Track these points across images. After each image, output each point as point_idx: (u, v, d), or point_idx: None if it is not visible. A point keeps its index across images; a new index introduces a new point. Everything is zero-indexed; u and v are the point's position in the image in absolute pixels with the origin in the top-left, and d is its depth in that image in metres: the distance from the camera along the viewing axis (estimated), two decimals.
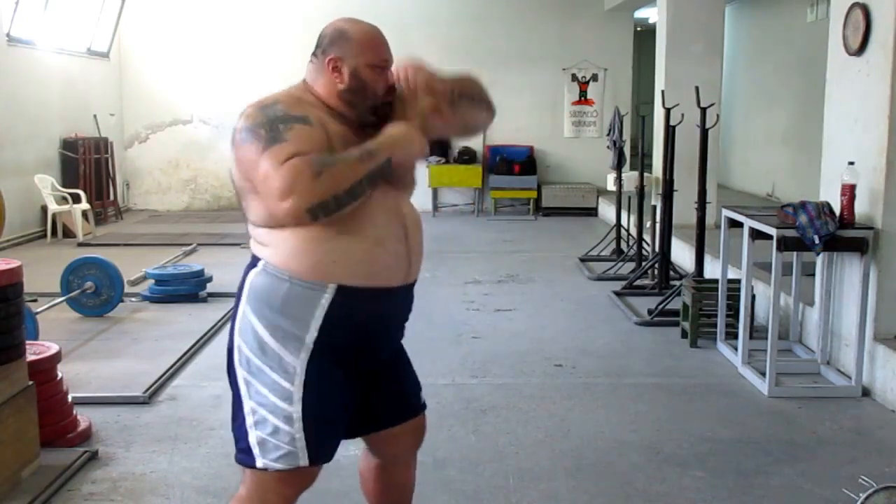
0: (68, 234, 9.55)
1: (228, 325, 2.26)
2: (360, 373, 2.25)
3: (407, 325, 2.39)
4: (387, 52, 2.21)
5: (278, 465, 2.13)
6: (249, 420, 2.14)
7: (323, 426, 2.16)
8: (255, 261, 2.17)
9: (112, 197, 11.17)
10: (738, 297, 4.90)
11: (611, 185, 8.10)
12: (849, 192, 4.28)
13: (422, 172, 11.74)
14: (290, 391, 2.11)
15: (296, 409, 2.11)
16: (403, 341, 2.44)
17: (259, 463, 2.14)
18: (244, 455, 2.17)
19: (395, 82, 2.21)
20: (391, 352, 2.36)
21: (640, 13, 12.61)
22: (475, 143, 12.01)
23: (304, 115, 2.07)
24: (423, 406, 2.47)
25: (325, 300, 2.09)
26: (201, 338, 5.31)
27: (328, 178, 1.95)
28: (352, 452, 3.06)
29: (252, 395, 2.14)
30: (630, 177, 7.77)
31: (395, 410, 2.38)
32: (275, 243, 2.11)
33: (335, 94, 2.17)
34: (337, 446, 2.24)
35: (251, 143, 2.02)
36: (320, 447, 2.16)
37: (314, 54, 2.21)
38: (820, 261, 4.69)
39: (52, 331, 5.17)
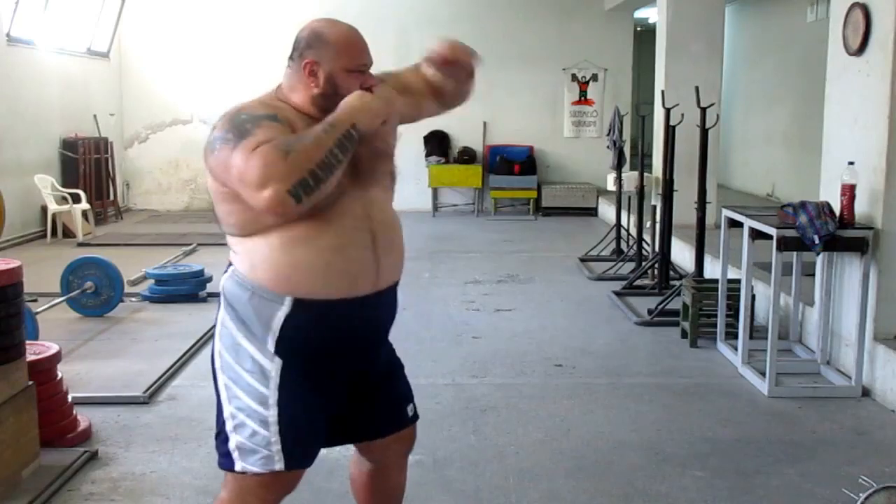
0: (68, 234, 9.55)
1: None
2: (344, 380, 2.23)
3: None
4: (365, 56, 2.15)
5: (255, 469, 2.12)
6: (229, 424, 2.14)
7: (299, 431, 2.14)
8: (228, 266, 2.18)
9: (112, 197, 11.17)
10: (738, 297, 4.90)
11: (611, 185, 8.10)
12: (849, 192, 4.28)
13: (421, 173, 11.77)
14: (266, 395, 2.10)
15: (271, 413, 2.10)
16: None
17: (238, 466, 2.13)
18: (224, 459, 2.16)
19: (375, 85, 2.14)
20: (379, 361, 2.32)
21: (640, 13, 12.61)
22: (475, 143, 12.01)
23: (272, 113, 2.05)
24: (415, 418, 2.43)
25: (283, 312, 2.08)
26: (201, 338, 5.31)
27: (299, 154, 1.90)
28: (351, 453, 3.05)
29: (231, 399, 2.14)
30: (630, 177, 7.77)
31: (386, 422, 2.36)
32: (241, 252, 2.11)
33: (307, 100, 2.12)
34: (315, 452, 2.23)
35: (221, 148, 2.00)
36: (296, 452, 2.14)
37: (290, 58, 2.15)
38: (820, 261, 4.69)
39: (52, 331, 5.17)
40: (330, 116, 2.02)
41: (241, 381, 2.13)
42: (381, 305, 2.23)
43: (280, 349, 2.10)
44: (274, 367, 2.10)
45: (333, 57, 2.10)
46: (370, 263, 2.13)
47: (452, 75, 2.38)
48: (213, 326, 2.24)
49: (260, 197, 1.90)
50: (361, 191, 2.12)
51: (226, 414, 2.15)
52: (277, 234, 2.04)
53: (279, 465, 2.12)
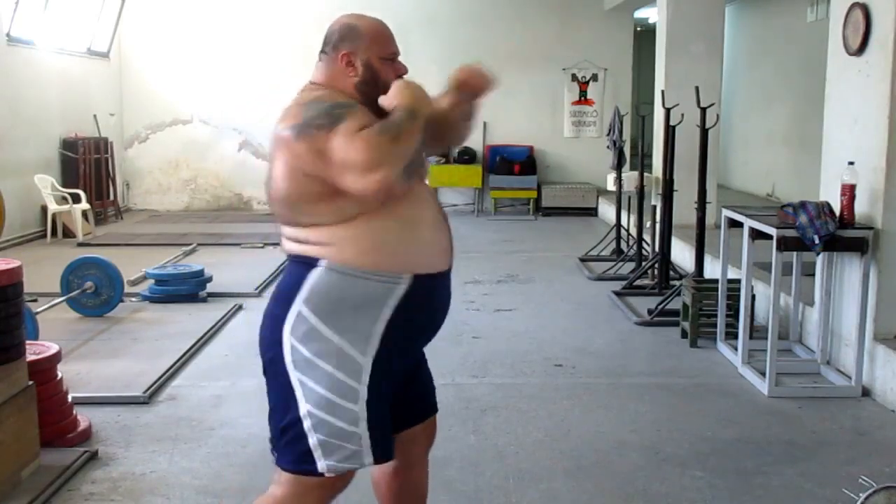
0: (68, 234, 9.55)
1: (261, 332, 2.20)
2: (412, 364, 2.30)
3: None
4: (394, 44, 2.24)
5: (344, 466, 2.12)
6: (306, 423, 2.11)
7: (385, 423, 2.17)
8: (308, 260, 2.12)
9: (112, 197, 11.17)
10: (738, 297, 4.90)
11: (611, 185, 8.10)
12: (849, 192, 4.28)
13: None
14: (357, 389, 2.10)
15: (361, 408, 2.10)
16: None
17: (320, 465, 2.11)
18: (295, 458, 2.13)
19: (406, 71, 2.24)
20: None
21: (640, 13, 12.61)
22: (475, 142, 12.01)
23: (347, 102, 2.11)
24: (436, 408, 2.47)
25: (401, 290, 2.11)
26: (201, 338, 5.31)
27: (404, 140, 1.98)
28: None
29: (309, 396, 2.11)
30: (630, 177, 7.77)
31: (418, 409, 2.40)
32: (340, 241, 2.08)
33: (351, 88, 2.19)
34: (394, 442, 2.25)
35: (314, 134, 2.00)
36: (385, 444, 2.17)
37: (323, 51, 2.22)
38: (820, 261, 4.69)
39: (52, 331, 5.16)
40: (402, 109, 2.04)
41: (324, 377, 2.09)
42: (450, 283, 2.31)
43: (386, 332, 2.11)
44: (366, 361, 2.11)
45: (367, 46, 2.19)
46: (447, 241, 2.24)
47: (466, 99, 2.38)
48: (266, 327, 2.17)
49: (369, 179, 1.95)
50: (417, 174, 2.21)
51: (301, 412, 2.11)
52: (384, 216, 2.08)
53: (368, 460, 2.14)
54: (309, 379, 2.11)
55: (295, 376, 2.12)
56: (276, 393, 2.18)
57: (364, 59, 2.17)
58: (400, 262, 2.11)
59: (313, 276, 2.10)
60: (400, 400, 2.28)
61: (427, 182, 2.31)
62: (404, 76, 2.22)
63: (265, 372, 2.21)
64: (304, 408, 2.11)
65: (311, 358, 2.10)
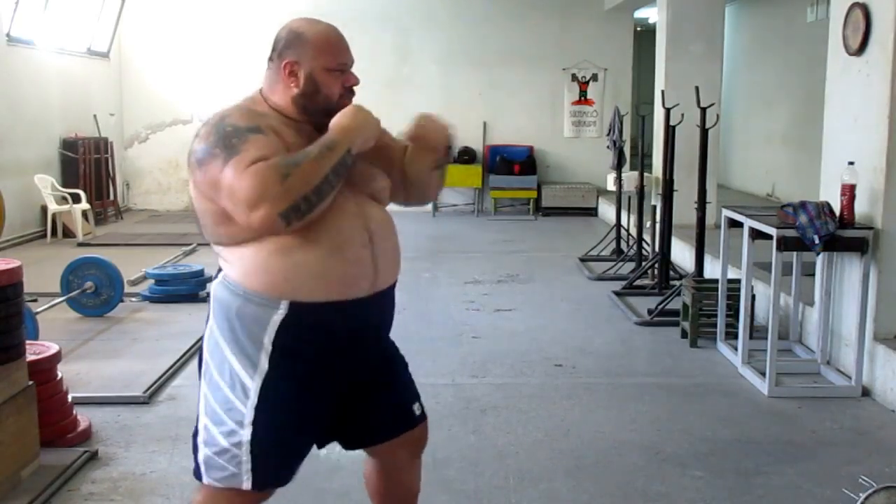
0: (68, 234, 9.54)
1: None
2: (340, 386, 2.17)
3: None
4: (345, 55, 2.13)
5: (221, 485, 2.09)
6: (201, 436, 2.11)
7: (274, 451, 2.09)
8: (218, 272, 2.13)
9: (112, 197, 11.17)
10: (738, 297, 4.90)
11: (611, 185, 8.10)
12: (849, 192, 4.28)
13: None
14: (243, 413, 2.05)
15: (245, 433, 2.05)
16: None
17: (205, 479, 2.11)
18: (195, 467, 2.14)
19: (356, 83, 2.13)
20: (379, 362, 2.27)
21: (640, 13, 12.61)
22: (475, 143, 12.01)
23: (255, 125, 1.99)
24: (422, 417, 2.37)
25: (278, 316, 2.02)
26: (201, 338, 5.30)
27: (296, 179, 1.87)
28: (351, 452, 3.05)
29: (206, 410, 2.10)
30: (630, 177, 7.77)
31: (390, 423, 2.31)
32: (233, 259, 2.06)
33: (288, 101, 2.09)
34: (292, 472, 2.17)
35: (209, 163, 1.95)
36: (267, 472, 2.10)
37: (270, 58, 2.13)
38: (820, 261, 4.68)
39: (52, 331, 5.16)
40: (325, 137, 1.98)
41: (218, 393, 2.08)
42: (380, 306, 2.18)
43: (273, 357, 2.04)
44: (254, 384, 2.05)
45: (313, 56, 2.07)
46: (368, 263, 2.08)
47: (422, 154, 2.26)
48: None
49: (250, 216, 1.88)
50: (354, 191, 2.09)
51: (199, 424, 2.12)
52: (272, 240, 1.98)
53: (246, 485, 2.07)
54: (210, 392, 2.11)
55: (203, 388, 2.13)
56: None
57: (307, 70, 2.06)
58: (273, 287, 2.01)
59: (214, 288, 2.12)
60: (357, 415, 2.23)
61: (375, 197, 2.17)
62: (354, 88, 2.12)
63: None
64: (202, 420, 2.12)
65: (213, 373, 2.10)
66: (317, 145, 1.95)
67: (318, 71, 2.07)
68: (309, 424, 2.15)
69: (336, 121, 2.01)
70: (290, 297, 2.02)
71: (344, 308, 2.07)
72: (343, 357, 2.14)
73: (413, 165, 2.26)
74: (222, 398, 2.07)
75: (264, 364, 2.05)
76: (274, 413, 2.06)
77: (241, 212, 1.90)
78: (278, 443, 2.09)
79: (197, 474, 2.14)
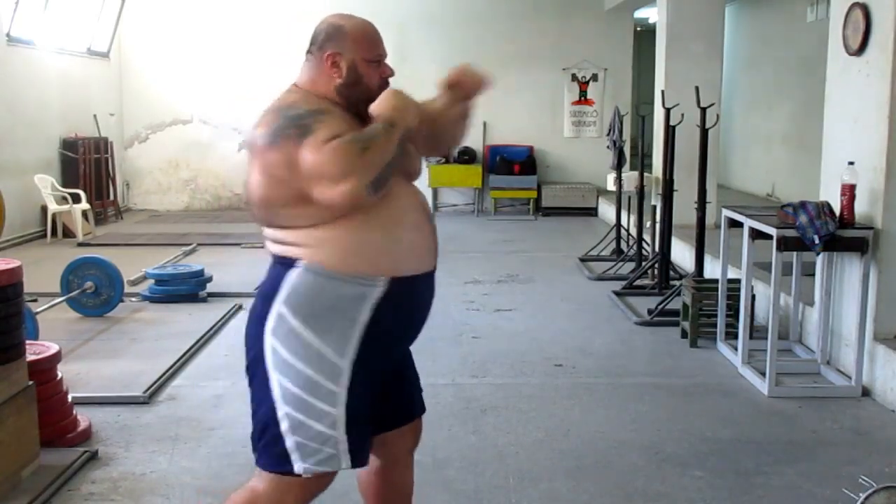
0: (68, 234, 9.55)
1: (247, 330, 2.21)
2: (392, 366, 2.27)
3: None
4: (381, 47, 2.23)
5: (320, 469, 2.12)
6: (284, 425, 2.11)
7: (363, 428, 2.16)
8: (287, 261, 2.11)
9: (112, 197, 11.17)
10: (738, 297, 4.90)
11: (611, 185, 8.10)
12: (849, 192, 4.28)
13: (421, 173, 11.77)
14: (335, 393, 2.09)
15: (339, 412, 2.10)
16: None
17: (297, 468, 2.11)
18: (273, 460, 2.13)
19: (392, 73, 2.24)
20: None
21: (640, 13, 12.61)
22: (475, 142, 12.01)
23: (319, 107, 2.09)
24: (423, 409, 2.47)
25: (377, 293, 2.09)
26: (201, 338, 5.31)
27: (374, 153, 1.98)
28: None
29: (287, 398, 2.10)
30: (630, 177, 7.77)
31: (403, 411, 2.39)
32: (317, 243, 2.08)
33: (331, 91, 2.18)
34: (370, 448, 2.25)
35: (283, 144, 2.01)
36: (362, 449, 2.17)
37: (309, 52, 2.22)
38: (820, 261, 4.69)
39: (52, 331, 5.16)
40: (383, 117, 2.06)
41: (302, 379, 2.09)
42: (433, 283, 2.30)
43: (365, 336, 2.09)
44: (345, 364, 2.09)
45: (353, 47, 2.18)
46: (431, 239, 2.23)
47: (460, 99, 2.37)
48: (252, 325, 2.18)
49: (337, 190, 1.96)
50: (404, 175, 2.20)
51: (279, 414, 2.11)
52: (361, 219, 2.06)
53: (345, 464, 2.13)
54: (288, 380, 2.10)
55: (275, 377, 2.12)
56: (257, 392, 2.18)
57: (349, 61, 2.16)
58: (375, 266, 2.09)
59: (292, 277, 2.10)
60: (384, 400, 2.27)
61: (415, 183, 2.29)
62: (390, 78, 2.22)
63: (247, 370, 2.22)
64: (282, 409, 2.11)
65: (290, 359, 2.10)
66: (379, 124, 2.05)
67: (358, 61, 2.17)
68: (374, 402, 2.22)
69: (382, 103, 2.10)
70: (392, 273, 2.11)
71: (426, 280, 2.21)
72: (414, 332, 2.27)
73: (443, 116, 2.35)
74: (309, 384, 2.09)
75: (354, 343, 2.10)
76: (364, 390, 2.13)
77: (326, 186, 1.97)
78: (365, 418, 2.16)
79: (276, 465, 2.13)
